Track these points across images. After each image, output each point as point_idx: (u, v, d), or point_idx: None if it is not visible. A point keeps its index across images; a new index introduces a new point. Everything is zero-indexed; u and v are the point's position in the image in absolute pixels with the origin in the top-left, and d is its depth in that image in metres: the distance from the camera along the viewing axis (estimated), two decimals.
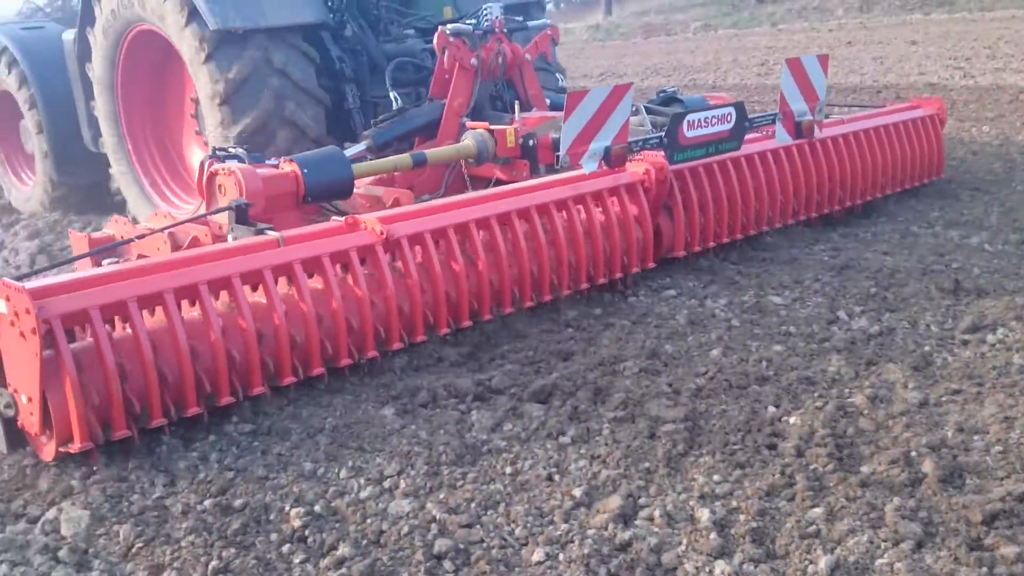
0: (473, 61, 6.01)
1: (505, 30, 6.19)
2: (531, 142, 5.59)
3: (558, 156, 4.93)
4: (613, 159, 4.99)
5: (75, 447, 3.25)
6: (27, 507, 3.15)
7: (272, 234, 4.12)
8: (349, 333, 3.93)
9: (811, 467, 3.05)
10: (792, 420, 3.37)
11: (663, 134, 5.22)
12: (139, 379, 3.43)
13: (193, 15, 6.28)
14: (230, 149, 5.14)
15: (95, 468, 3.29)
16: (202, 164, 4.96)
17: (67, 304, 3.34)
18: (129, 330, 3.49)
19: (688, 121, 5.19)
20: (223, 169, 4.72)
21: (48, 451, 3.38)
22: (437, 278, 4.21)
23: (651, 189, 5.11)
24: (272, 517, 2.96)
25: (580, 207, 4.85)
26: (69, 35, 8.17)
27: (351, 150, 5.94)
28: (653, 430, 3.34)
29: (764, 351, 4.03)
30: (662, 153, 5.14)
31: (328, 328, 3.88)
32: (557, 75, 7.49)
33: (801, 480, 2.95)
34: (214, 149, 5.23)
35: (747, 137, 5.53)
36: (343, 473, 3.20)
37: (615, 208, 4.96)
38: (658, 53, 24.86)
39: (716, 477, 3.02)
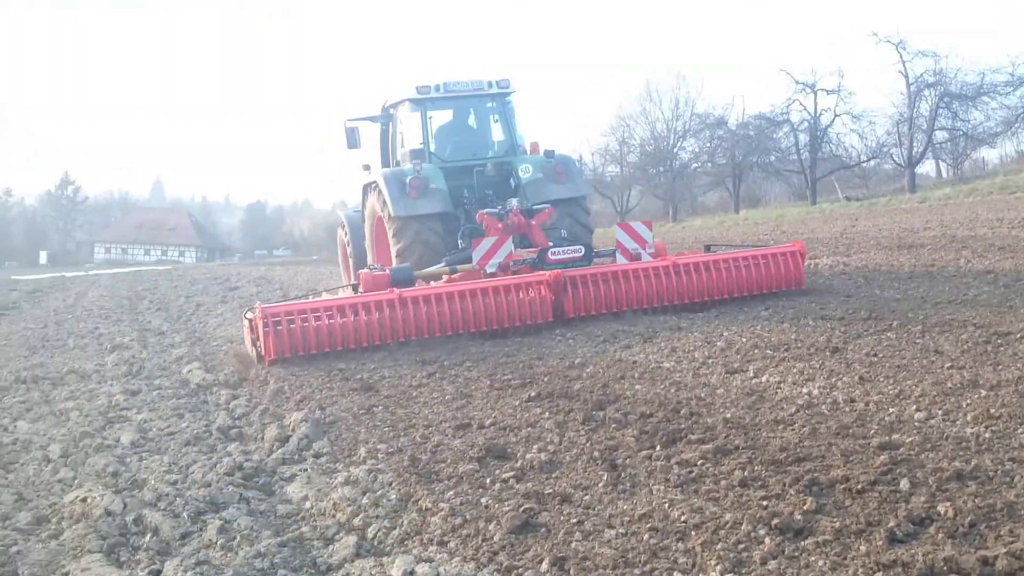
0: (500, 226, 11.78)
1: (520, 211, 12.08)
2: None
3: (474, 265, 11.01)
4: (503, 268, 10.89)
5: (272, 360, 9.45)
6: None
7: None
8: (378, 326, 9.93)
9: None
10: None
11: (535, 257, 11.21)
12: (299, 339, 9.60)
13: (384, 206, 13.13)
14: (375, 264, 12.90)
15: None
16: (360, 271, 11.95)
17: (273, 311, 9.73)
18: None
19: (551, 251, 11.29)
20: (359, 272, 11.63)
21: (266, 361, 9.40)
22: (421, 313, 9.93)
23: (552, 284, 10.30)
24: None
25: (508, 291, 10.32)
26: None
27: (436, 265, 11.98)
28: None
29: None
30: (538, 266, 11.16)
31: (383, 323, 9.93)
32: (561, 230, 13.14)
33: None
34: (369, 265, 13.24)
35: (631, 263, 11.10)
36: None
37: (529, 293, 10.40)
38: None
39: None
